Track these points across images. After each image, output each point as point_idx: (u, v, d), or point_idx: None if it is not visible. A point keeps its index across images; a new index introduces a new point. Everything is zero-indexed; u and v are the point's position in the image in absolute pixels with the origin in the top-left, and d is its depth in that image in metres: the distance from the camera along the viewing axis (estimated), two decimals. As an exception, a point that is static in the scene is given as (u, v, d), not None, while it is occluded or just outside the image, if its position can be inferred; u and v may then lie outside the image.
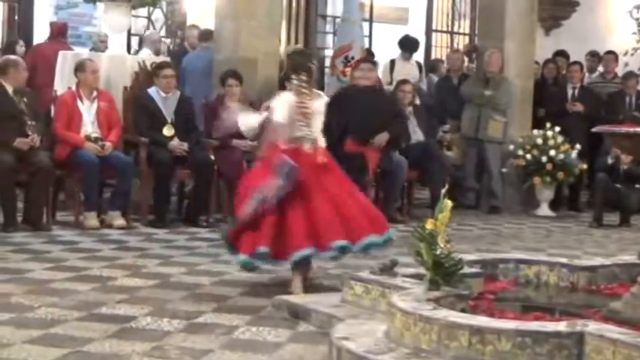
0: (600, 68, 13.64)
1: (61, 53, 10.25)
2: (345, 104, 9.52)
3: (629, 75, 12.70)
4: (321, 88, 12.24)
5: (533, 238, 9.78)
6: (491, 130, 11.69)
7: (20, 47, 11.95)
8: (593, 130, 5.78)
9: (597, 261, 6.44)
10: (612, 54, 13.44)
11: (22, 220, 8.59)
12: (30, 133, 8.63)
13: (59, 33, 11.99)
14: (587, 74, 13.34)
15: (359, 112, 9.61)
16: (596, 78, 13.43)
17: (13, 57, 9.49)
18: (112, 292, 6.04)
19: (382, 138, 9.82)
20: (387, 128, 9.88)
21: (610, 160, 10.87)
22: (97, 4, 10.39)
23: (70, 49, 11.63)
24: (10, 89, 8.78)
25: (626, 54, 14.51)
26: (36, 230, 8.42)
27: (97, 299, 5.82)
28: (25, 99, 8.82)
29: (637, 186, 10.89)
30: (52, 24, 12.40)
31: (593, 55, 13.65)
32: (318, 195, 6.20)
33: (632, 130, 5.39)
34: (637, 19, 16.38)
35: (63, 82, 9.78)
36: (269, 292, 6.19)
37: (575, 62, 13.00)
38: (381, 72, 12.79)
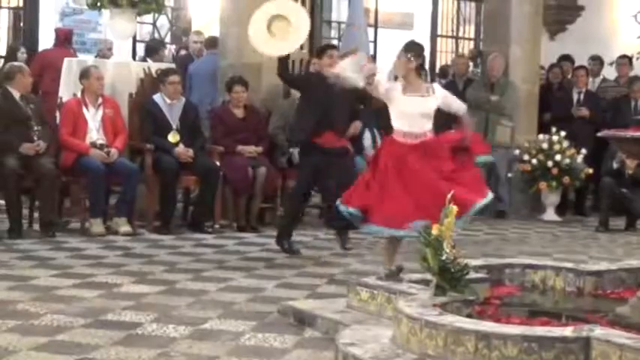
0: (607, 72, 13.62)
1: (66, 60, 10.25)
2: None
3: (635, 79, 12.68)
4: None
5: (539, 242, 9.77)
6: (500, 135, 11.68)
7: (22, 54, 11.96)
8: (599, 134, 5.77)
9: (603, 265, 6.44)
10: (626, 58, 13.43)
11: (39, 225, 8.66)
12: (36, 138, 8.66)
13: (65, 39, 12.00)
14: (590, 79, 13.33)
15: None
16: (609, 82, 13.40)
17: (17, 63, 9.51)
18: (117, 299, 6.04)
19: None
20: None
21: (615, 165, 10.86)
22: (102, 10, 10.38)
23: (76, 55, 11.64)
24: (17, 95, 8.81)
25: (631, 58, 14.48)
26: (43, 237, 8.43)
27: (103, 306, 5.83)
28: (31, 105, 8.86)
29: (642, 190, 10.89)
30: (57, 30, 12.42)
31: (595, 59, 13.63)
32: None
33: (637, 134, 5.37)
34: (642, 23, 16.35)
35: (68, 88, 9.78)
36: (275, 298, 6.19)
37: (581, 67, 12.98)
38: (386, 77, 12.78)
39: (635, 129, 5.74)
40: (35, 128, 8.72)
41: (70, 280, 6.61)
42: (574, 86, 12.58)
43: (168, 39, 14.89)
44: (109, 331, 5.20)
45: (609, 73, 13.67)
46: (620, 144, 5.72)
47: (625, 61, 13.36)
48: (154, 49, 12.10)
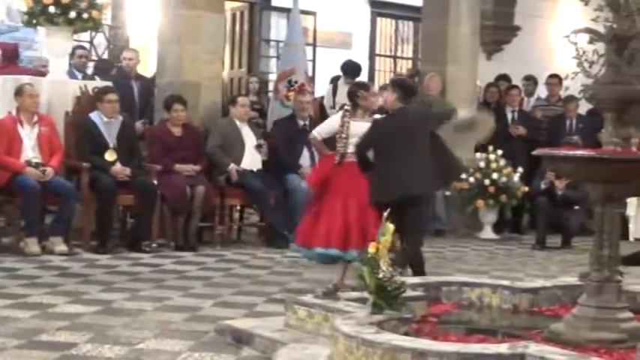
0: (541, 92, 13.79)
1: (0, 78, 10.13)
2: None
3: (570, 99, 12.82)
4: (264, 113, 12.31)
5: (476, 260, 9.84)
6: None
7: None
8: (533, 153, 5.83)
9: (539, 283, 6.51)
10: (556, 77, 13.57)
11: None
12: None
13: (12, 56, 11.74)
14: (525, 98, 13.49)
15: None
16: (541, 101, 13.56)
17: None
18: (52, 319, 5.96)
19: None
20: None
21: (543, 185, 11.00)
22: (38, 28, 10.28)
23: (25, 70, 11.44)
24: None
25: (566, 78, 14.62)
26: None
27: (38, 326, 5.74)
28: None
29: (576, 208, 11.02)
30: (1, 46, 12.18)
31: (529, 79, 13.80)
32: None
33: (570, 153, 5.44)
34: (575, 44, 16.55)
35: (4, 106, 9.66)
36: (212, 317, 6.15)
37: (514, 86, 13.16)
38: (325, 96, 12.87)
39: (569, 148, 5.83)
40: None
41: (4, 300, 6.50)
42: (507, 105, 12.72)
43: (105, 57, 14.78)
44: (42, 352, 5.12)
45: (544, 92, 13.83)
46: (553, 163, 5.78)
47: (555, 80, 13.49)
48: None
